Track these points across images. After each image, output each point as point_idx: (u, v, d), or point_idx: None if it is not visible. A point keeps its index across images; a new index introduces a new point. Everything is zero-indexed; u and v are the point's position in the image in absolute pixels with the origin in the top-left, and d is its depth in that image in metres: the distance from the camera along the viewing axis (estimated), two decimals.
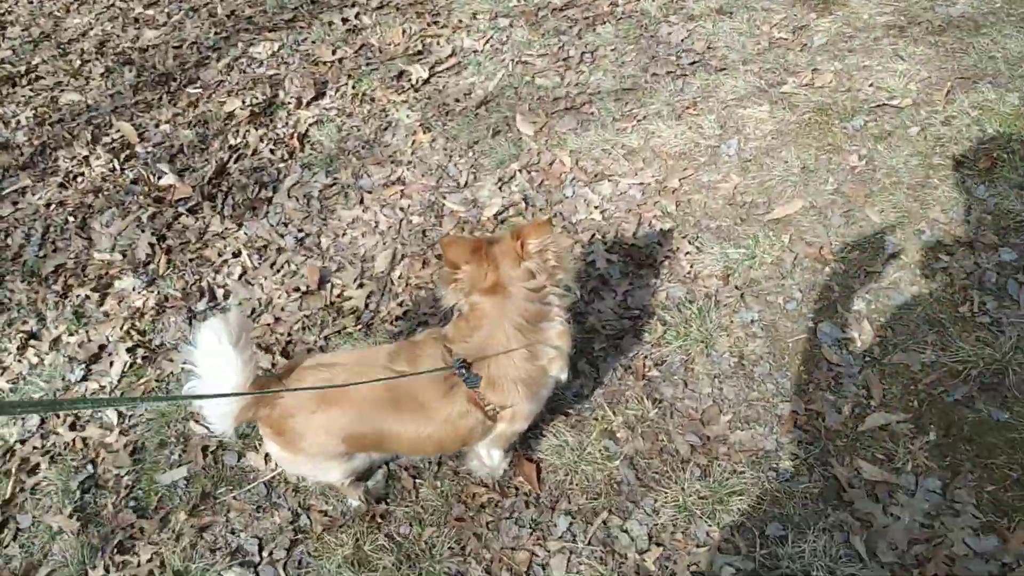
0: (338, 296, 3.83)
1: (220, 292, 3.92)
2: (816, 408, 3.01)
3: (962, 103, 3.95)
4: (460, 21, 5.38)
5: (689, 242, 3.66)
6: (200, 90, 5.22)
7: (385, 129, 4.67)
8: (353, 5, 5.72)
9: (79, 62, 5.71)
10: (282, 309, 3.80)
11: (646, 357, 3.30)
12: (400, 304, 3.72)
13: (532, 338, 2.41)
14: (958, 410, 2.92)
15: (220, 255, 4.11)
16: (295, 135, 4.71)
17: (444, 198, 4.17)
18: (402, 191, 4.26)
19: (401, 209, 4.17)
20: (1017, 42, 4.20)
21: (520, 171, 4.22)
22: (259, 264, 4.04)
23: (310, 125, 4.78)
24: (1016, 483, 2.69)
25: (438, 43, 5.23)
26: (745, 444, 2.96)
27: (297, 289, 3.87)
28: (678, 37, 4.83)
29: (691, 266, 3.58)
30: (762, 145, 4.02)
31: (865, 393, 3.03)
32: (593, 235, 3.80)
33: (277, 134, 4.76)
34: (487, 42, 5.15)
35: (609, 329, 3.40)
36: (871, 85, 4.16)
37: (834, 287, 3.37)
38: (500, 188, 4.16)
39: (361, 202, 4.25)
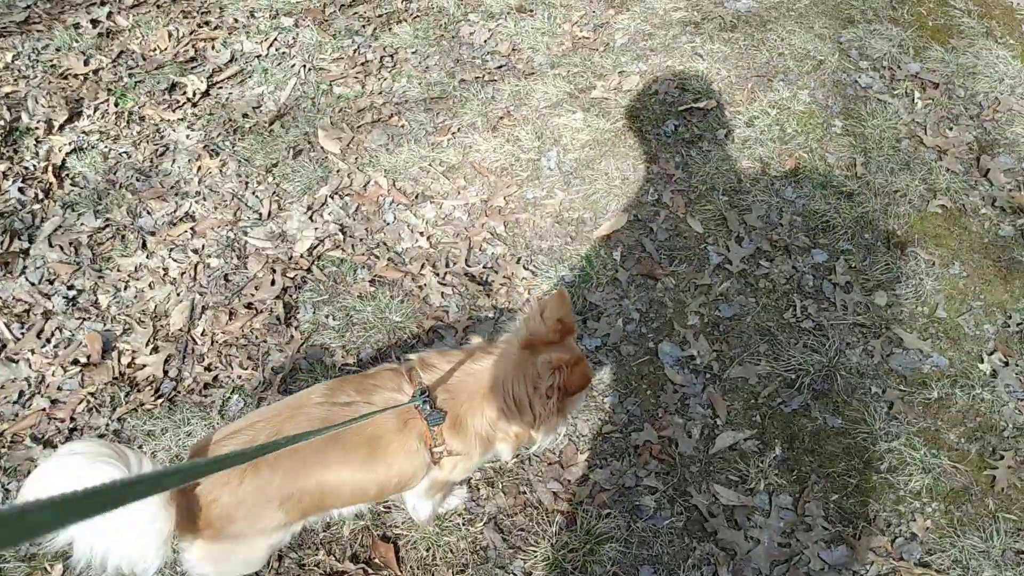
0: (128, 365, 3.26)
1: None
2: (668, 435, 2.99)
3: (761, 102, 4.10)
4: (236, 21, 4.78)
5: (524, 267, 3.50)
6: None
7: (162, 154, 4.04)
8: (103, 3, 4.90)
9: None
10: (59, 389, 3.18)
11: None
12: (208, 368, 3.23)
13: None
14: (797, 420, 3.02)
15: None
16: (49, 167, 3.94)
17: (245, 234, 3.68)
18: (193, 229, 3.71)
19: (194, 251, 3.63)
20: (800, 38, 4.43)
21: (331, 196, 3.82)
22: (21, 335, 3.34)
23: (67, 154, 4.02)
24: (856, 489, 2.83)
25: (213, 48, 4.61)
26: (606, 483, 2.88)
27: (75, 362, 3.25)
28: (480, 38, 4.61)
29: (528, 292, 3.43)
30: (581, 156, 3.93)
31: (711, 412, 3.05)
32: (423, 265, 3.52)
33: (25, 168, 3.96)
34: (271, 45, 4.61)
35: None
36: (676, 87, 4.20)
37: (668, 303, 3.37)
38: (311, 217, 3.74)
39: (144, 246, 3.64)
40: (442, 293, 3.43)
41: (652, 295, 3.39)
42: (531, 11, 4.76)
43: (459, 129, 4.11)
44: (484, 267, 3.51)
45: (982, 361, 3.18)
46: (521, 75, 4.38)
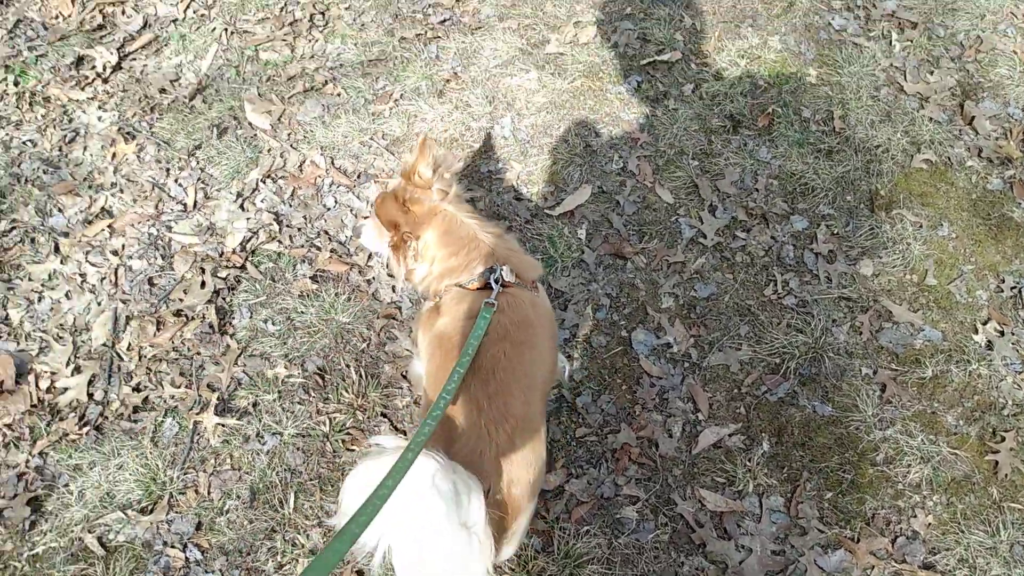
0: (48, 390, 2.92)
1: None
2: (647, 435, 2.75)
3: (730, 51, 3.76)
4: None
5: None
6: None
7: (71, 140, 3.59)
8: None
9: None
10: None
11: None
12: (136, 388, 2.90)
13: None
14: (785, 410, 2.80)
15: None
16: None
17: (169, 229, 3.31)
18: (111, 227, 3.31)
19: (114, 252, 3.24)
20: None
21: (263, 180, 3.44)
22: None
23: None
24: (852, 485, 2.64)
25: (123, 12, 4.10)
26: (582, 494, 2.65)
27: None
28: None
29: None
30: (538, 122, 3.58)
31: (692, 407, 2.82)
32: (370, 256, 3.19)
33: None
34: (188, 7, 4.12)
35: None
36: (638, 38, 3.84)
37: (639, 285, 3.10)
38: (242, 206, 3.37)
39: (56, 250, 3.25)
40: (393, 287, 3.11)
41: (622, 277, 3.11)
42: None
43: (402, 95, 3.72)
44: None
45: (976, 332, 2.98)
46: (467, 30, 3.97)
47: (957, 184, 3.36)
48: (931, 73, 3.69)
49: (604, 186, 3.36)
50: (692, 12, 3.93)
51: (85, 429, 2.80)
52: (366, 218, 3.24)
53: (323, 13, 4.08)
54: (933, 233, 3.22)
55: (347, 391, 2.84)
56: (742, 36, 3.83)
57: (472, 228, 2.29)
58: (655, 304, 3.04)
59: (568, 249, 3.17)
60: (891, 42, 3.79)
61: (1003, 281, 3.09)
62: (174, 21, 4.07)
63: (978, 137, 3.48)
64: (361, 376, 2.88)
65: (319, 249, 3.24)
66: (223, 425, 2.77)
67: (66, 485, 2.68)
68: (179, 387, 2.89)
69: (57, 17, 4.12)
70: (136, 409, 2.84)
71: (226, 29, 4.00)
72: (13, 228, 3.31)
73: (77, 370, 2.95)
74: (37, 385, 2.91)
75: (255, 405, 2.83)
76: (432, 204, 2.30)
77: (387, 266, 2.47)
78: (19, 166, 3.51)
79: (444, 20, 4.03)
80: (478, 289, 2.18)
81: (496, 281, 2.14)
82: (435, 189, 2.33)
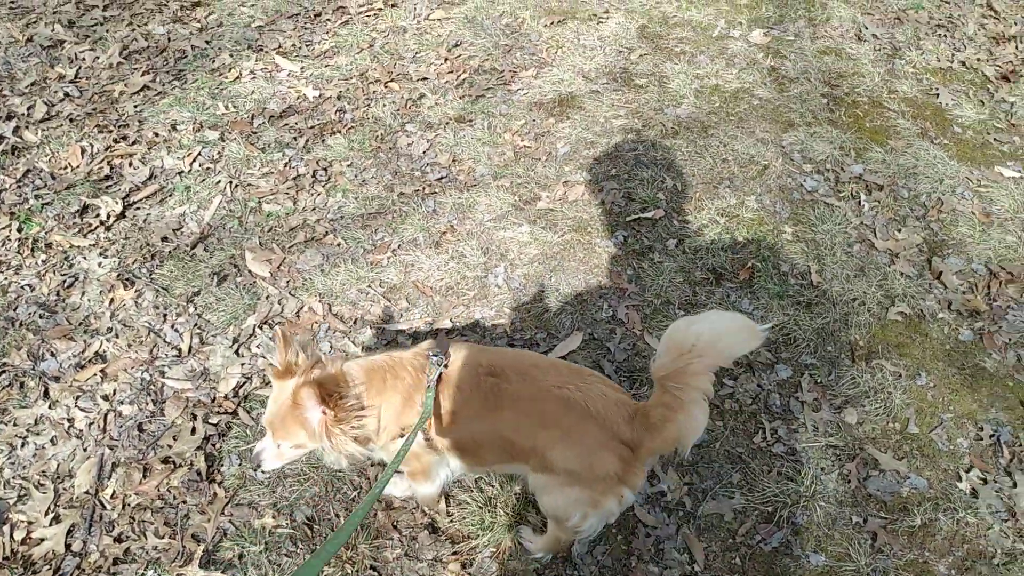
0: (23, 541, 2.82)
1: None
2: None
3: (709, 210, 4.00)
4: (156, 135, 4.52)
5: None
6: None
7: (70, 286, 3.67)
8: (9, 117, 4.58)
9: None
10: None
11: (454, 555, 2.77)
12: (118, 539, 2.81)
13: None
14: (780, 560, 2.77)
15: None
16: None
17: (163, 374, 3.32)
18: (103, 371, 3.33)
19: (104, 397, 3.24)
20: (742, 143, 4.40)
21: (260, 326, 3.51)
22: None
23: None
24: None
25: (131, 164, 4.32)
26: None
27: None
28: (419, 149, 4.44)
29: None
30: (530, 272, 3.73)
31: (688, 558, 2.78)
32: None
33: None
34: (194, 160, 4.35)
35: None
36: (623, 196, 4.09)
37: None
38: (237, 351, 3.41)
39: (46, 394, 3.24)
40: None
41: None
42: (471, 121, 4.64)
43: (399, 246, 3.88)
44: None
45: (960, 479, 3.01)
46: (463, 187, 4.20)
47: (931, 335, 3.50)
48: (899, 231, 3.93)
49: (595, 333, 3.46)
50: (673, 174, 4.21)
51: None
52: (251, 448, 2.92)
53: (325, 169, 4.31)
54: (912, 383, 3.32)
55: None
56: (720, 196, 4.08)
57: (374, 360, 2.40)
58: None
59: None
60: (860, 202, 4.06)
61: (982, 429, 3.16)
62: (180, 173, 4.28)
63: (947, 291, 3.67)
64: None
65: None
66: None
67: None
68: (163, 537, 2.81)
69: (66, 167, 4.33)
70: (116, 561, 2.74)
71: (231, 182, 4.21)
72: (3, 372, 3.31)
73: (56, 519, 2.87)
74: (12, 536, 2.82)
75: (240, 557, 2.74)
76: (330, 374, 2.26)
77: (336, 457, 2.36)
78: (15, 310, 3.56)
79: (441, 178, 4.27)
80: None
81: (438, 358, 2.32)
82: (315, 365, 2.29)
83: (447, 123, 4.63)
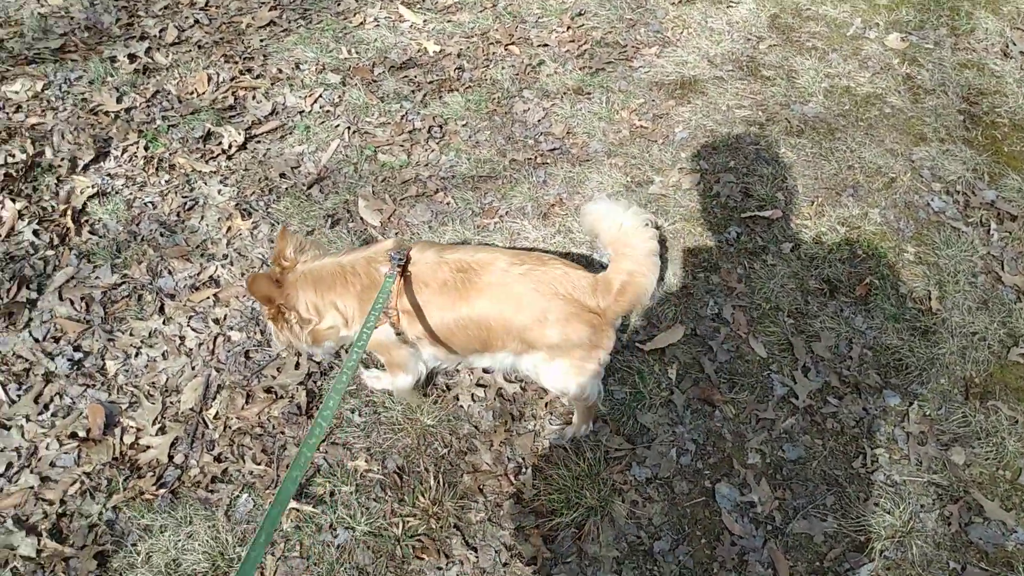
0: (131, 445, 2.94)
1: None
2: None
3: (830, 217, 3.86)
4: (280, 71, 4.57)
5: None
6: None
7: (191, 208, 3.77)
8: (143, 38, 4.69)
9: None
10: (52, 465, 2.85)
11: (536, 528, 2.78)
12: (218, 458, 2.91)
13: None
14: None
15: None
16: (68, 211, 3.67)
17: None
18: (216, 295, 3.42)
19: (216, 321, 3.33)
20: (870, 151, 4.21)
21: None
22: (18, 397, 3.03)
23: (89, 198, 3.75)
24: None
25: (254, 98, 4.38)
26: None
27: (73, 435, 2.94)
28: (534, 117, 4.39)
29: (571, 406, 3.12)
30: None
31: (771, 573, 2.73)
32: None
33: (43, 208, 3.69)
34: (315, 102, 4.39)
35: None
36: (740, 191, 3.97)
37: (727, 435, 3.07)
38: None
39: (161, 310, 3.35)
40: (473, 396, 3.12)
41: (710, 424, 3.09)
42: (588, 94, 4.56)
43: (507, 212, 3.85)
44: (518, 379, 3.21)
45: None
46: (575, 160, 4.15)
47: None
48: None
49: (698, 329, 3.39)
50: (794, 174, 4.07)
51: (161, 491, 2.80)
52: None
53: (441, 127, 4.30)
54: None
55: (423, 496, 2.81)
56: (843, 204, 3.93)
57: (335, 261, 2.57)
58: (741, 458, 3.00)
59: (657, 387, 3.18)
60: (989, 231, 3.86)
61: None
62: (301, 112, 4.33)
63: None
64: (439, 483, 2.85)
65: None
66: (298, 510, 2.74)
67: (134, 544, 2.66)
68: (259, 464, 2.89)
69: (192, 93, 4.41)
70: (214, 479, 2.84)
71: (349, 128, 4.23)
72: (123, 283, 3.42)
73: (162, 430, 2.98)
74: (122, 439, 2.94)
75: (332, 495, 2.81)
76: (298, 271, 2.56)
77: (283, 344, 2.74)
78: (137, 225, 3.67)
79: (554, 149, 4.22)
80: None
81: (399, 260, 2.48)
82: (300, 264, 2.58)
83: (565, 93, 4.56)
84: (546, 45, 4.94)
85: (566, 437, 2.99)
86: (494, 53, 4.85)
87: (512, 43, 4.94)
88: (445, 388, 3.15)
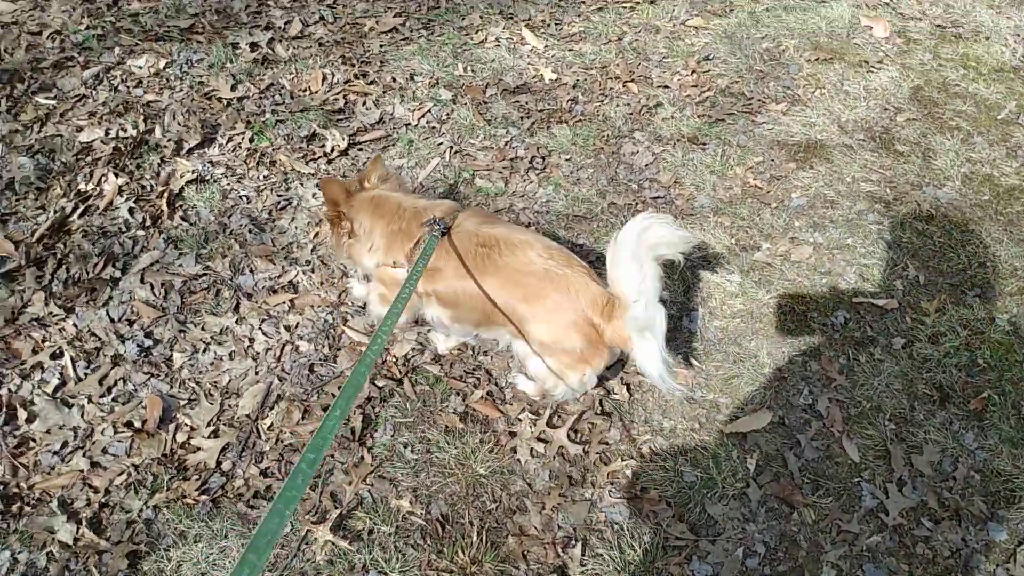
0: (182, 444, 2.90)
1: (22, 413, 2.89)
2: None
3: (951, 317, 3.50)
4: (394, 80, 4.54)
5: (636, 446, 2.98)
6: (54, 103, 4.11)
7: (283, 208, 3.75)
8: (267, 28, 4.76)
9: None
10: (104, 451, 2.84)
11: None
12: (264, 473, 2.83)
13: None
14: None
15: (35, 351, 3.08)
16: (166, 193, 3.71)
17: (345, 322, 3.31)
18: (292, 301, 3.37)
19: (287, 327, 3.27)
20: (1007, 249, 3.82)
21: None
22: (85, 375, 3.04)
23: (187, 183, 3.79)
24: None
25: (364, 104, 4.36)
26: None
27: (129, 424, 2.92)
28: (642, 160, 4.19)
29: (637, 480, 2.90)
30: (729, 327, 3.42)
31: None
32: (523, 409, 3.05)
33: (142, 186, 3.74)
34: (423, 116, 4.32)
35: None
36: (855, 272, 3.66)
37: (802, 543, 2.78)
38: (417, 320, 3.34)
39: (236, 308, 3.32)
40: (532, 450, 2.94)
41: (785, 527, 2.81)
42: (703, 144, 4.33)
43: (598, 258, 3.67)
44: (582, 440, 3.01)
45: None
46: (679, 213, 3.93)
47: None
48: None
49: (787, 419, 3.11)
50: (918, 263, 3.73)
51: (203, 497, 2.73)
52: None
53: (543, 158, 4.16)
54: None
55: (463, 551, 2.65)
56: (967, 304, 3.57)
57: (398, 199, 2.78)
58: (815, 571, 2.71)
59: (732, 475, 2.92)
60: None
61: None
62: (407, 125, 4.27)
63: None
64: (482, 540, 2.69)
65: (476, 386, 3.15)
66: (334, 544, 2.62)
67: (167, 549, 2.60)
68: None
69: (305, 90, 4.43)
70: (256, 494, 2.76)
71: (451, 147, 4.15)
72: (205, 275, 3.42)
73: (215, 433, 2.93)
74: (174, 436, 2.91)
75: (370, 532, 2.68)
76: (371, 193, 2.81)
77: (333, 247, 2.98)
78: (229, 217, 3.67)
79: (657, 197, 4.01)
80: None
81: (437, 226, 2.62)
82: (376, 189, 2.83)
83: (678, 140, 4.34)
84: (666, 87, 4.74)
85: (516, 385, 3.10)
86: (611, 88, 4.69)
87: (631, 80, 4.76)
88: (509, 435, 2.99)
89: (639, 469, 2.92)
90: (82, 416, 2.91)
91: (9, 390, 2.96)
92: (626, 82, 4.74)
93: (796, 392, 3.20)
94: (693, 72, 4.87)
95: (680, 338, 3.37)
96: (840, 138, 4.45)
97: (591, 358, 2.65)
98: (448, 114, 4.35)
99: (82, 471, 2.76)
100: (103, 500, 2.70)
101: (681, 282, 3.57)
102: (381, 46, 4.79)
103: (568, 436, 2.98)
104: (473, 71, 4.69)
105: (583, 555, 2.69)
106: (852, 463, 3.00)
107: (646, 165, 4.19)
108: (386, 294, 2.92)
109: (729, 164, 4.23)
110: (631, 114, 4.50)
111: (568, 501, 2.82)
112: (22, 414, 2.89)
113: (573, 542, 2.72)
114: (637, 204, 3.96)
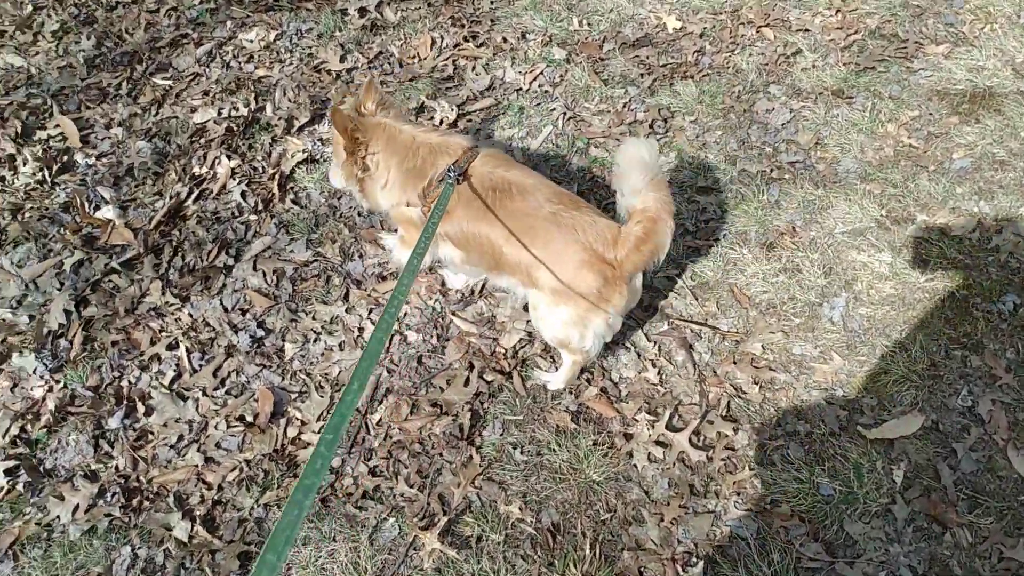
0: (293, 439, 2.90)
1: (141, 406, 2.98)
2: None
3: None
4: (505, 40, 4.29)
5: (764, 453, 2.72)
6: (170, 83, 4.16)
7: None
8: None
9: (31, 6, 4.62)
10: (217, 445, 2.88)
11: None
12: (373, 472, 2.79)
13: None
14: None
15: (152, 342, 3.16)
16: (277, 175, 3.68)
17: (453, 312, 3.20)
18: None
19: (396, 317, 3.19)
20: None
21: None
22: (200, 367, 3.10)
23: (298, 163, 3.74)
24: None
25: (474, 69, 4.15)
26: None
27: (241, 418, 2.95)
28: (779, 119, 3.77)
29: (767, 492, 2.66)
30: (877, 315, 3.05)
31: None
32: (639, 408, 2.86)
33: (254, 168, 3.74)
34: (535, 79, 4.06)
35: None
36: None
37: (955, 569, 2.47)
38: (526, 309, 3.18)
39: (346, 296, 3.27)
40: (649, 455, 2.75)
41: (936, 550, 2.50)
42: (850, 97, 3.84)
43: (724, 236, 3.35)
44: (706, 446, 2.78)
45: None
46: (820, 180, 3.52)
47: None
48: None
49: (941, 423, 2.75)
50: None
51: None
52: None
53: (665, 120, 3.83)
54: None
55: (575, 565, 2.52)
56: None
57: (411, 132, 2.70)
58: None
59: (876, 489, 2.62)
60: None
61: None
62: (518, 90, 4.04)
63: None
64: (595, 554, 2.55)
65: (590, 381, 2.97)
66: (443, 552, 2.56)
67: None
68: (412, 486, 2.74)
69: (414, 57, 4.26)
70: (365, 494, 2.73)
71: (564, 113, 3.88)
72: (315, 261, 3.38)
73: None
74: (285, 430, 2.91)
75: (479, 540, 2.60)
76: (377, 120, 2.71)
77: (342, 176, 2.86)
78: (338, 199, 3.61)
79: (795, 162, 3.60)
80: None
81: (455, 173, 2.56)
82: (379, 116, 2.74)
83: (820, 93, 3.88)
84: (807, 30, 4.24)
85: (540, 380, 2.95)
86: (743, 36, 4.24)
87: (766, 24, 4.29)
88: (624, 437, 2.81)
89: (769, 479, 2.67)
90: (197, 409, 2.96)
91: (129, 382, 3.05)
92: (760, 27, 4.27)
93: (954, 392, 2.82)
94: (838, 12, 4.32)
95: (820, 327, 3.04)
96: (1015, 83, 3.83)
97: (610, 296, 2.50)
98: (562, 75, 4.07)
99: (196, 466, 2.81)
100: (216, 496, 2.74)
101: (820, 262, 3.21)
102: (492, 3, 4.53)
103: (690, 440, 2.76)
104: (589, 24, 4.36)
105: (705, 574, 2.50)
106: (1019, 478, 2.62)
107: (782, 124, 3.77)
108: (405, 236, 2.92)
109: (879, 120, 3.73)
110: (765, 65, 4.06)
111: (689, 513, 2.62)
112: (140, 407, 2.97)
113: (694, 559, 2.53)
114: (772, 171, 3.58)
